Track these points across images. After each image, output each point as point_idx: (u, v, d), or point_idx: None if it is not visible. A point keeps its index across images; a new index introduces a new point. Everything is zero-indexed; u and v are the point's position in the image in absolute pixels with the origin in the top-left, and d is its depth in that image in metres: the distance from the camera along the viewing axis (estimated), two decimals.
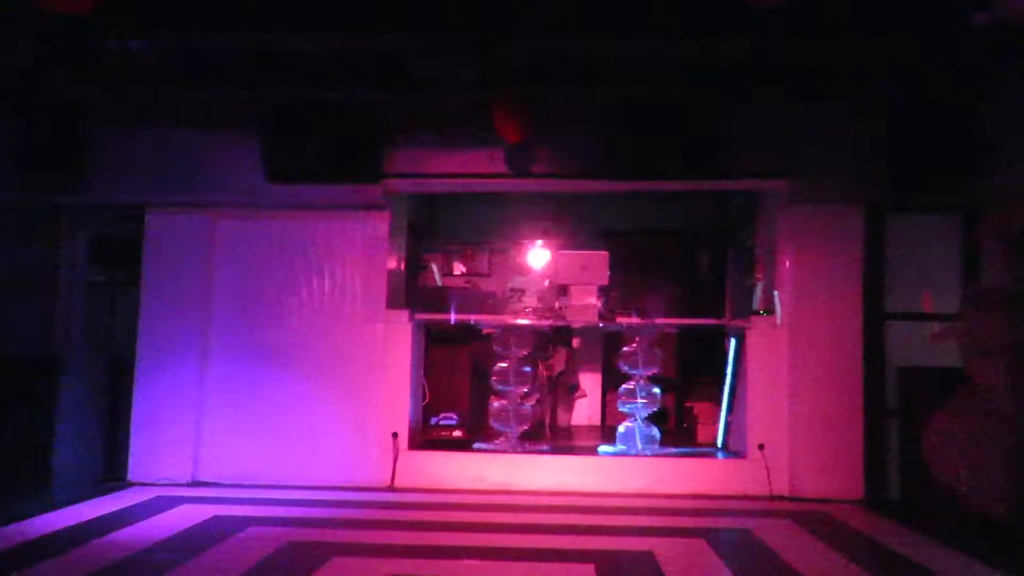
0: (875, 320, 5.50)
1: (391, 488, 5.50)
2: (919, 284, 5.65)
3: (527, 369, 6.00)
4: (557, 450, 5.91)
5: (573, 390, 7.51)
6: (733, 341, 6.00)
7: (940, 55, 4.63)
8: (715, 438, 6.24)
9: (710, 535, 4.36)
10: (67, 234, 6.22)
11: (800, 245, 5.60)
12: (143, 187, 5.75)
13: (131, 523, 4.45)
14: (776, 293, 5.68)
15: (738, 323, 5.96)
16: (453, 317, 5.91)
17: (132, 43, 4.68)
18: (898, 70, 4.98)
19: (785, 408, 5.49)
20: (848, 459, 5.37)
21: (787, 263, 5.63)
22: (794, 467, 5.43)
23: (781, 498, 5.37)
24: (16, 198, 5.77)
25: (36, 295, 6.07)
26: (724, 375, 6.17)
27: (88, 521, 4.48)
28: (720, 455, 5.89)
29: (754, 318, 5.75)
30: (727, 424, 6.10)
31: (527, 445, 5.87)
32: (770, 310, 5.74)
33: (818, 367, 5.46)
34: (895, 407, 5.45)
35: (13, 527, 4.31)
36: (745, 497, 5.38)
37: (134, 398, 5.69)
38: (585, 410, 8.09)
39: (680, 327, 6.29)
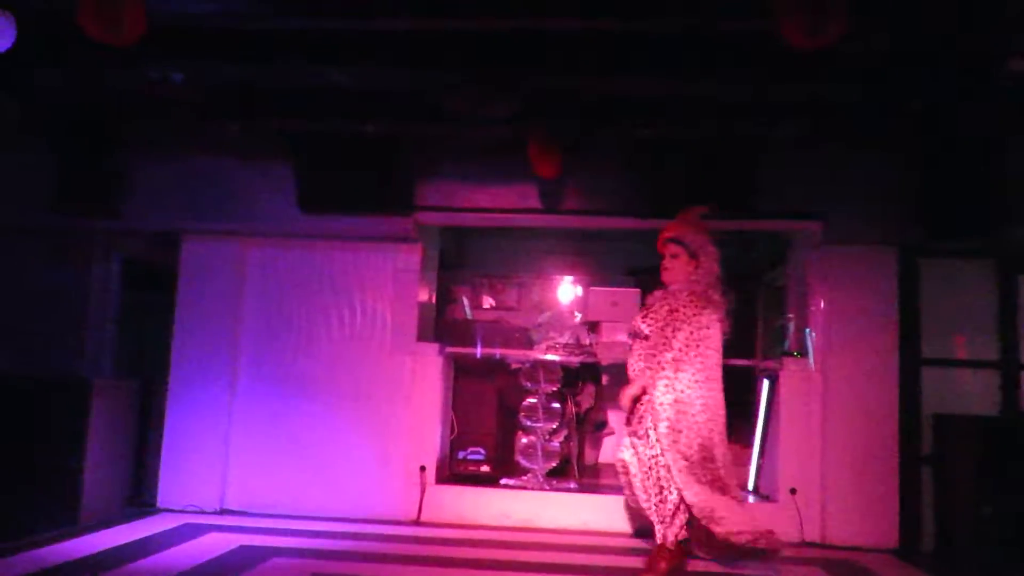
0: (911, 365, 5.41)
1: (417, 522, 5.46)
2: (953, 329, 5.57)
3: (555, 405, 5.96)
4: (584, 488, 5.84)
5: (601, 427, 7.44)
6: (766, 382, 5.92)
7: (978, 96, 4.60)
8: (745, 480, 6.13)
9: None
10: (100, 258, 6.31)
11: (833, 287, 5.55)
12: (177, 214, 5.84)
13: (158, 550, 4.45)
14: (810, 333, 5.61)
15: (769, 364, 5.89)
16: (480, 351, 5.90)
17: (173, 75, 4.79)
18: (934, 111, 4.94)
19: (818, 452, 5.39)
20: (882, 507, 5.26)
21: (820, 305, 5.57)
22: (826, 513, 5.32)
23: (812, 544, 5.25)
24: (51, 223, 5.87)
25: (68, 319, 6.15)
26: (753, 416, 6.09)
27: (116, 547, 4.50)
28: (751, 498, 5.79)
29: (786, 359, 5.68)
30: (758, 467, 6.00)
31: (554, 482, 5.81)
32: (802, 352, 5.67)
33: (852, 411, 5.37)
34: (929, 454, 5.35)
35: (42, 551, 4.33)
36: None
37: (165, 424, 5.72)
38: (612, 448, 8.00)
39: None
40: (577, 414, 6.45)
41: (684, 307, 4.21)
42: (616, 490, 5.78)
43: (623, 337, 5.75)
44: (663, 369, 4.16)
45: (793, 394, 5.53)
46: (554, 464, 5.95)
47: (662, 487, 4.18)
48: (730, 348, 7.74)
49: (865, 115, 4.96)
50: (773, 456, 5.64)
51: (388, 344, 5.75)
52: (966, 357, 5.52)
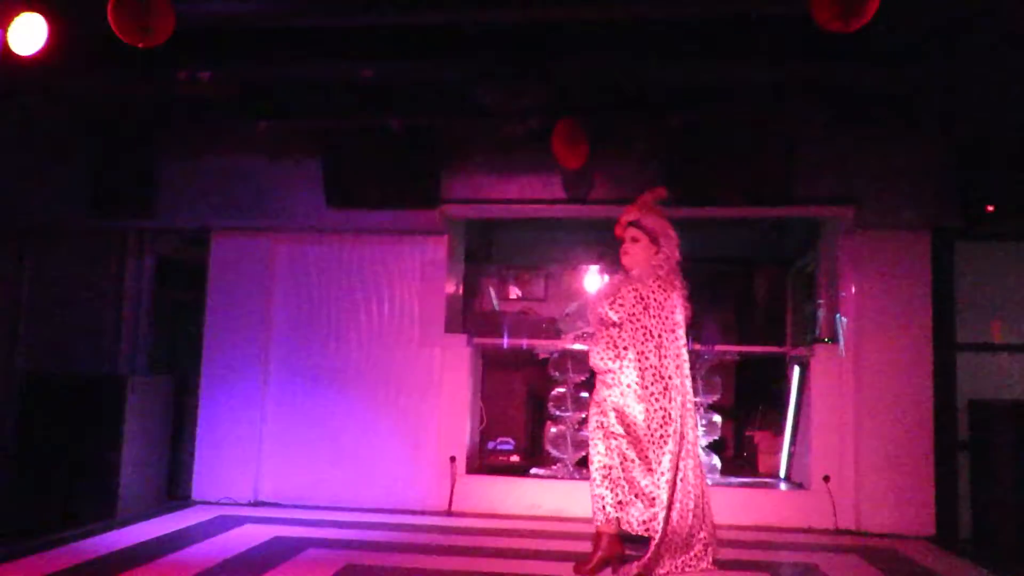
0: (946, 350, 5.34)
1: (448, 512, 5.50)
2: (989, 313, 5.48)
3: (584, 394, 5.95)
4: None
5: None
6: (796, 369, 5.87)
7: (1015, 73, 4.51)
8: (776, 468, 6.09)
9: (776, 569, 4.24)
10: (134, 257, 6.41)
11: (865, 272, 5.47)
12: (208, 212, 5.90)
13: (195, 542, 4.52)
14: (840, 319, 5.55)
15: (800, 351, 5.84)
16: (507, 342, 5.90)
17: (201, 74, 4.84)
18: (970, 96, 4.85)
19: (851, 439, 5.34)
20: (918, 493, 5.19)
21: (851, 290, 5.51)
22: (860, 500, 5.27)
23: (847, 532, 5.21)
24: (86, 223, 5.96)
25: (104, 317, 6.27)
26: (784, 403, 6.04)
27: (154, 539, 4.57)
28: (783, 486, 5.75)
29: (817, 346, 5.62)
30: (790, 454, 5.95)
31: (584, 472, 5.80)
32: (833, 338, 5.61)
33: (885, 397, 5.31)
34: (966, 440, 5.27)
35: (82, 543, 4.41)
36: (809, 530, 5.24)
37: (199, 418, 5.80)
38: None
39: (740, 354, 6.18)
40: None
41: (654, 293, 4.03)
42: None
43: None
44: (647, 359, 3.98)
45: (824, 381, 5.48)
46: (584, 453, 5.93)
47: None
48: (760, 335, 7.75)
49: (901, 97, 4.89)
50: (805, 444, 5.60)
51: (417, 336, 5.78)
52: (1003, 341, 5.44)
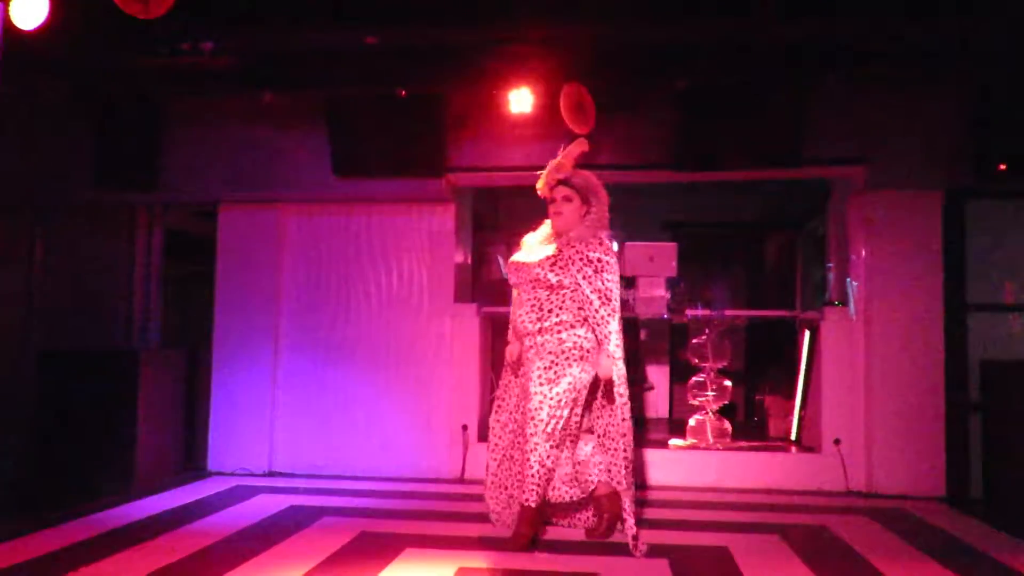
0: (957, 311, 5.32)
1: (461, 480, 5.55)
2: (1002, 274, 5.45)
3: None
4: None
5: (640, 383, 7.44)
6: (807, 333, 5.87)
7: None
8: (787, 432, 6.11)
9: (786, 531, 4.28)
10: (143, 231, 6.43)
11: (875, 233, 5.43)
12: (215, 184, 5.89)
13: (213, 512, 4.58)
14: (851, 283, 5.52)
15: (810, 314, 5.83)
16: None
17: (204, 45, 4.81)
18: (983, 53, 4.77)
19: (862, 402, 5.35)
20: (929, 455, 5.21)
21: (861, 252, 5.48)
22: (871, 462, 5.29)
23: (858, 494, 5.24)
24: (95, 197, 5.97)
25: (115, 291, 6.30)
26: (795, 367, 6.05)
27: (173, 509, 4.64)
28: (793, 450, 5.77)
29: (827, 309, 5.61)
30: (800, 418, 5.97)
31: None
32: (844, 301, 5.60)
33: (896, 359, 5.30)
34: (977, 401, 5.27)
35: (102, 515, 4.48)
36: (820, 493, 5.27)
37: (212, 390, 5.85)
38: (652, 403, 8.03)
39: (750, 318, 6.18)
40: None
41: (600, 258, 3.84)
42: (658, 444, 5.82)
43: (661, 292, 5.74)
44: (606, 324, 3.80)
45: (835, 344, 5.48)
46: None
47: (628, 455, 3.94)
48: (769, 299, 7.74)
49: (912, 55, 4.82)
50: (816, 407, 5.61)
51: (426, 306, 5.79)
52: (1015, 301, 5.41)
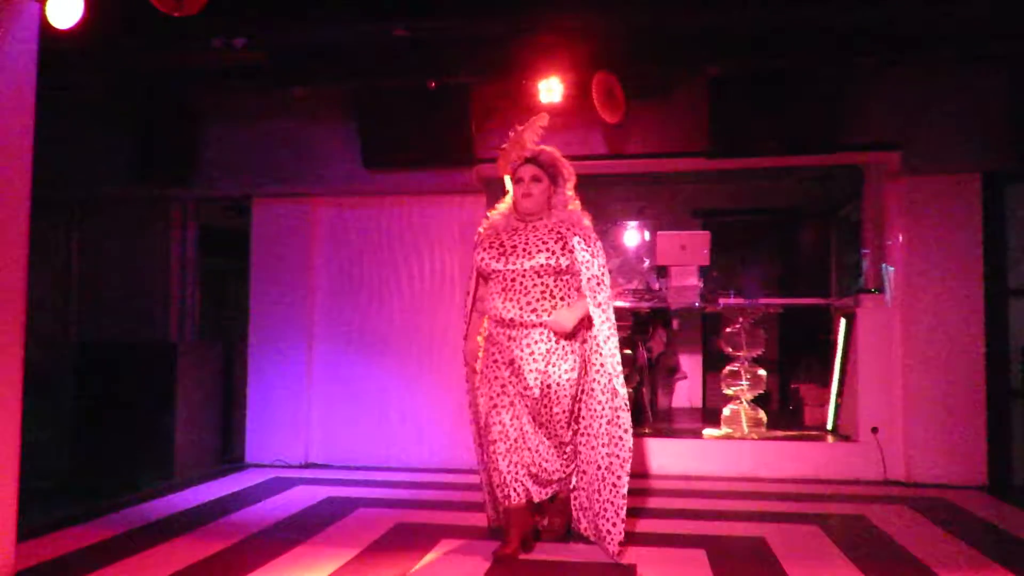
0: (998, 296, 5.22)
1: None
2: None
3: (626, 351, 5.95)
4: (659, 433, 5.85)
5: (673, 372, 7.42)
6: (843, 320, 5.80)
7: None
8: (823, 421, 6.05)
9: (823, 521, 4.24)
10: (178, 225, 6.51)
11: (912, 219, 5.34)
12: (248, 178, 5.95)
13: (252, 503, 4.65)
14: (887, 269, 5.44)
15: (846, 301, 5.75)
16: None
17: (236, 41, 4.84)
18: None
19: (899, 389, 5.28)
20: (969, 443, 5.13)
21: (898, 238, 5.39)
22: (910, 451, 5.22)
23: (896, 483, 5.18)
24: (131, 193, 6.06)
25: (152, 285, 6.39)
26: (830, 355, 5.98)
27: (212, 501, 4.71)
28: (830, 438, 5.72)
29: (863, 296, 5.54)
30: (837, 406, 5.91)
31: (636, 428, 5.82)
32: (880, 287, 5.52)
33: (935, 346, 5.22)
34: (1019, 388, 5.18)
35: (145, 506, 4.56)
36: (857, 482, 5.22)
37: (248, 382, 5.91)
38: (685, 392, 7.99)
39: (784, 306, 6.11)
40: (649, 359, 6.43)
41: (596, 244, 3.61)
42: (691, 434, 5.80)
43: (694, 280, 5.70)
44: (603, 310, 3.53)
45: (871, 331, 5.41)
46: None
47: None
48: (803, 286, 7.65)
49: (949, 37, 4.71)
50: (852, 395, 5.55)
51: (458, 297, 5.80)
52: None
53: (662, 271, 6.00)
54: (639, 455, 5.50)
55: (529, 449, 3.58)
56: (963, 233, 5.25)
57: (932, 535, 4.01)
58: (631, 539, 3.84)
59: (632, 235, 8.17)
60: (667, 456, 5.50)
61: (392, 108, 5.53)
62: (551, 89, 5.09)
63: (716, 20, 4.68)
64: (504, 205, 3.83)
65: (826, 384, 6.10)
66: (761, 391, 5.83)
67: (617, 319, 5.73)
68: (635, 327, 6.09)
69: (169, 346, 5.71)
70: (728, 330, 5.90)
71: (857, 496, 4.86)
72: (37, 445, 4.01)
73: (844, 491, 5.00)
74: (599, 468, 3.54)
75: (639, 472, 5.40)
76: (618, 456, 3.53)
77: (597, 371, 3.56)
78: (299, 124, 5.86)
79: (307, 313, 5.91)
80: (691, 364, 7.99)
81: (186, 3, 3.49)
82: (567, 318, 3.51)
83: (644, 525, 4.13)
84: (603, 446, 3.55)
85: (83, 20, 3.75)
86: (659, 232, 5.72)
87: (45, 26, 3.58)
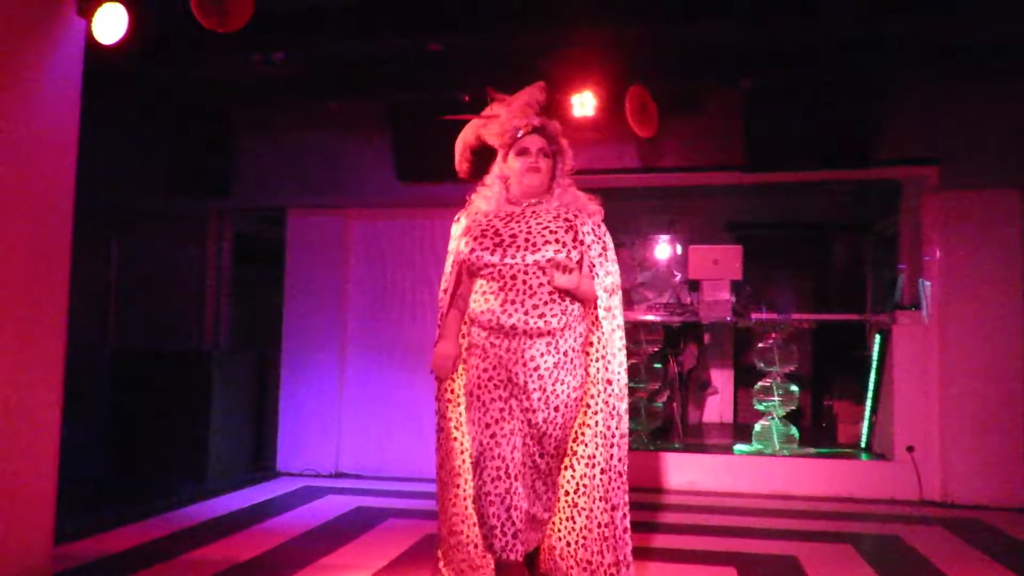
0: None
1: None
2: None
3: (657, 365, 5.93)
4: (689, 448, 5.81)
5: (704, 387, 7.36)
6: (877, 337, 5.72)
7: None
8: (857, 438, 5.97)
9: (857, 541, 4.18)
10: (214, 236, 6.60)
11: (949, 234, 5.27)
12: (283, 190, 6.04)
13: (283, 512, 4.70)
14: (923, 284, 5.37)
15: (881, 317, 5.68)
16: None
17: (275, 56, 4.92)
18: None
19: (936, 408, 5.19)
20: (1007, 463, 5.02)
21: (935, 254, 5.31)
22: (946, 471, 5.12)
23: (932, 504, 5.09)
24: (168, 204, 6.17)
25: (187, 295, 6.49)
26: (864, 372, 5.90)
27: (244, 509, 4.76)
28: (864, 456, 5.63)
29: (899, 313, 5.46)
30: (871, 424, 5.82)
31: (658, 443, 5.80)
32: (916, 304, 5.44)
33: (972, 364, 5.12)
34: None
35: (177, 512, 4.62)
36: (892, 501, 5.13)
37: (280, 391, 5.97)
38: (716, 407, 7.93)
39: (818, 322, 6.05)
40: (680, 374, 6.40)
41: (607, 235, 3.07)
42: (722, 450, 5.75)
43: (726, 295, 5.67)
44: (614, 317, 2.94)
45: (907, 348, 5.33)
46: (658, 424, 5.93)
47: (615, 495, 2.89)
48: (837, 302, 7.56)
49: (986, 50, 4.66)
50: (887, 413, 5.46)
51: None
52: None
53: (694, 285, 5.97)
54: (669, 469, 5.48)
55: (526, 488, 2.84)
56: (1002, 249, 5.17)
57: (969, 557, 3.94)
58: (660, 555, 3.83)
59: (664, 248, 8.13)
60: (697, 471, 5.45)
61: (424, 121, 5.57)
62: (584, 103, 5.10)
63: (750, 32, 4.67)
64: (490, 189, 3.13)
65: (860, 401, 6.01)
66: (793, 407, 5.76)
67: (648, 333, 5.82)
68: (666, 341, 6.06)
69: (203, 355, 5.79)
70: (760, 345, 5.85)
71: (891, 516, 4.79)
72: (73, 450, 4.07)
73: (878, 510, 4.92)
74: (600, 526, 2.89)
75: (668, 487, 5.37)
76: (622, 500, 2.91)
77: (602, 390, 2.89)
78: (334, 137, 5.93)
79: (340, 324, 5.96)
80: (722, 379, 7.92)
81: (230, 19, 3.57)
82: (580, 279, 2.87)
83: (674, 541, 4.10)
84: (605, 492, 2.89)
85: (125, 35, 3.85)
86: (691, 246, 5.69)
87: (90, 41, 3.68)
